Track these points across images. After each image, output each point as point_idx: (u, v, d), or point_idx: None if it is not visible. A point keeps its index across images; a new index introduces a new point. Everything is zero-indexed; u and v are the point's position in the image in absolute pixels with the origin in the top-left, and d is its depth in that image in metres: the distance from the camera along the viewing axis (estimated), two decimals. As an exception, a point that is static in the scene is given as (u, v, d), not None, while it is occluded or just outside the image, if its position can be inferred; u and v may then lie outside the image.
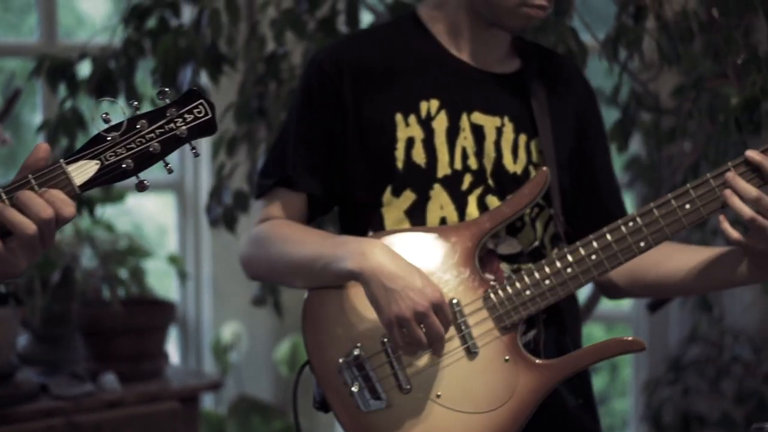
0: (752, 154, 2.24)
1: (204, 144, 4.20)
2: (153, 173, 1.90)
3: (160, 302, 4.28)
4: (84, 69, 3.49)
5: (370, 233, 2.37)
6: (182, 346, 5.12)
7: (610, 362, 5.69)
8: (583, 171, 2.49)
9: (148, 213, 5.32)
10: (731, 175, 2.24)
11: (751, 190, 2.22)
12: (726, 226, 2.23)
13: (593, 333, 5.43)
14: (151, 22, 3.49)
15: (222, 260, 4.91)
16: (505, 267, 2.37)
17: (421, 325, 2.21)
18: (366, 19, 3.77)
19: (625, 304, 5.21)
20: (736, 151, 3.30)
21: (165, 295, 4.52)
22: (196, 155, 1.91)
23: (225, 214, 3.59)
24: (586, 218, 2.46)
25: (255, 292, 3.88)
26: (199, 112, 1.91)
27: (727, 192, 2.24)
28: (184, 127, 1.88)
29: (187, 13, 4.10)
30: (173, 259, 4.60)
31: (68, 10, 5.06)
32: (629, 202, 5.19)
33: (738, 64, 3.16)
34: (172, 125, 1.89)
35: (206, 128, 1.90)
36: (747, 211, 2.21)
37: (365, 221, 2.39)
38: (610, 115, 3.32)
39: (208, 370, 4.95)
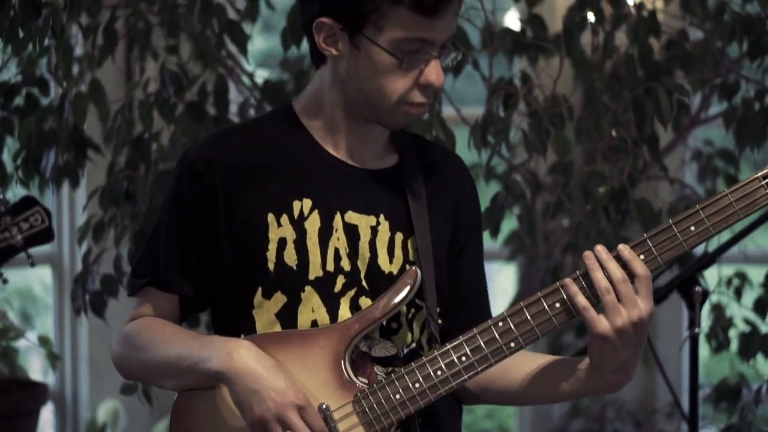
0: (623, 249, 2.21)
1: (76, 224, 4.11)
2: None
3: (32, 384, 4.17)
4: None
5: (242, 337, 2.31)
6: (58, 427, 5.00)
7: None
8: (455, 264, 2.45)
9: (30, 284, 5.23)
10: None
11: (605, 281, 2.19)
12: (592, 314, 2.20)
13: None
14: (19, 100, 3.42)
15: (100, 338, 4.81)
16: (379, 370, 2.32)
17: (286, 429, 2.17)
18: (236, 98, 3.74)
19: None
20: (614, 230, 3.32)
21: (42, 372, 4.41)
22: (32, 265, 1.85)
23: (92, 299, 3.51)
24: (457, 315, 2.42)
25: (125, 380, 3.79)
26: (36, 220, 1.86)
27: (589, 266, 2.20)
28: (19, 237, 1.83)
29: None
30: (43, 340, 4.49)
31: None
32: (512, 276, 5.20)
33: (607, 149, 3.19)
34: (6, 234, 1.83)
35: (43, 236, 1.85)
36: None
37: (238, 323, 2.34)
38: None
39: (85, 451, 4.84)
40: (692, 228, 2.19)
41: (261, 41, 3.54)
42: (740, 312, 4.10)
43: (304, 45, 3.40)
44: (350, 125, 2.36)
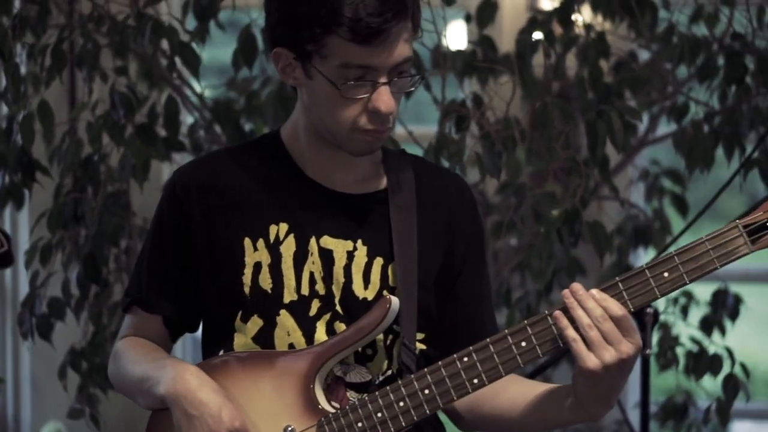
0: (595, 292, 2.16)
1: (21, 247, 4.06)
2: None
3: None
4: None
5: (221, 352, 2.34)
6: (0, 449, 4.94)
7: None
8: (453, 288, 2.41)
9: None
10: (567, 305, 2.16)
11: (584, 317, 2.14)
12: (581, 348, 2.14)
13: None
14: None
15: (42, 359, 4.76)
16: (353, 395, 2.31)
17: None
18: (185, 118, 3.71)
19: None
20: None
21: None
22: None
23: (39, 323, 3.46)
24: (451, 342, 2.36)
25: (72, 403, 3.75)
26: (-6, 244, 1.83)
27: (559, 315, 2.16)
28: (-23, 263, 1.80)
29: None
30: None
31: None
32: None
33: (558, 170, 3.20)
34: (-35, 259, 1.80)
35: (2, 261, 1.83)
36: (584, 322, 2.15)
37: (222, 343, 2.36)
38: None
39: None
40: (666, 274, 2.12)
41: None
42: (686, 330, 4.14)
43: (256, 66, 3.42)
44: (325, 151, 2.35)
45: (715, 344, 3.76)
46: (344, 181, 2.37)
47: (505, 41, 3.78)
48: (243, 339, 2.34)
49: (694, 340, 3.96)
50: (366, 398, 2.26)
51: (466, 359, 2.21)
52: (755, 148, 3.26)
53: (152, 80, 3.57)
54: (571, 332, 2.14)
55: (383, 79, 2.23)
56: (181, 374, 2.25)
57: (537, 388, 2.34)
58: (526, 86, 3.30)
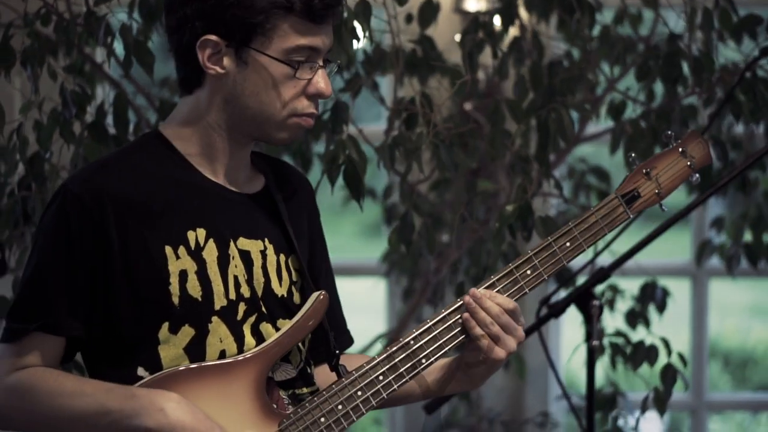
0: (486, 292, 2.37)
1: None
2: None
3: None
4: None
5: (140, 370, 2.27)
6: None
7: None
8: (316, 281, 2.48)
9: None
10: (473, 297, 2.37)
11: (493, 306, 2.36)
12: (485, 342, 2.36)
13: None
14: None
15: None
16: (283, 393, 2.34)
17: None
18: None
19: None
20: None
21: None
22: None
23: (-16, 323, 3.42)
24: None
25: None
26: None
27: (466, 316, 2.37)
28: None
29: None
30: None
31: None
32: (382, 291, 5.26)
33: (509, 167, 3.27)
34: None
35: None
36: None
37: (134, 359, 2.28)
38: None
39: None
40: (567, 244, 2.41)
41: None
42: (613, 323, 4.26)
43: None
44: (230, 149, 2.34)
45: (652, 334, 3.87)
46: (238, 181, 2.38)
47: (440, 41, 3.84)
48: (173, 350, 2.27)
49: (619, 333, 4.06)
50: (324, 393, 2.31)
51: (412, 342, 2.35)
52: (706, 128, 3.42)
53: (94, 79, 3.56)
54: (478, 330, 2.36)
55: (321, 62, 2.30)
56: (167, 404, 2.19)
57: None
58: (473, 84, 3.37)
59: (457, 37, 3.70)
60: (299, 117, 2.31)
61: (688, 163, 2.46)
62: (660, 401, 3.62)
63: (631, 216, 2.43)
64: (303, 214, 2.46)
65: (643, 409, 3.66)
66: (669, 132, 2.48)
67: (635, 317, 4.26)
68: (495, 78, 3.52)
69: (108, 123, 3.37)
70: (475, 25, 3.53)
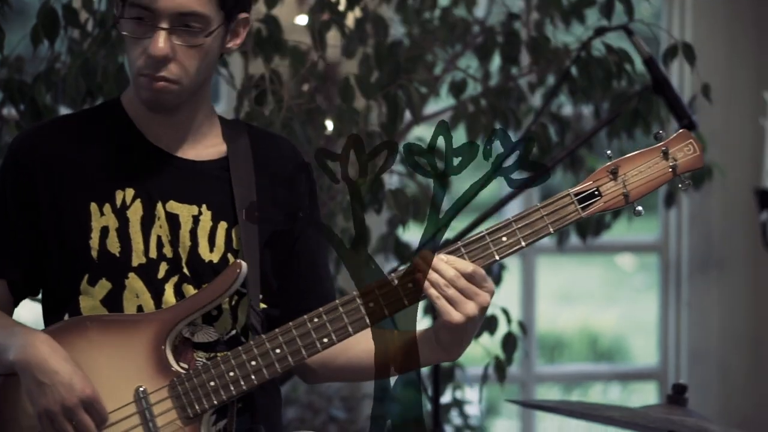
0: (442, 256, 2.28)
1: None
2: None
3: None
4: None
5: (66, 317, 2.40)
6: None
7: None
8: (293, 249, 2.51)
9: None
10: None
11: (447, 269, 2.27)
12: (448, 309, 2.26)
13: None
14: None
15: None
16: (201, 356, 2.39)
17: (73, 422, 2.27)
18: None
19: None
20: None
21: None
22: None
23: None
24: (293, 301, 2.49)
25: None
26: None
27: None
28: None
29: None
30: None
31: None
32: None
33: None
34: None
35: None
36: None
37: (64, 308, 2.43)
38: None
39: None
40: (504, 239, 2.29)
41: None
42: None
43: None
44: (158, 115, 2.43)
45: (493, 305, 3.98)
46: (183, 147, 2.46)
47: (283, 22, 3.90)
48: (91, 302, 2.40)
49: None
50: (219, 358, 2.35)
51: (316, 320, 2.32)
52: (535, 118, 3.53)
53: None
54: (433, 291, 2.26)
55: (164, 25, 2.33)
56: (31, 342, 2.30)
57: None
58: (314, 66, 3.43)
59: (301, 19, 3.75)
60: (142, 77, 2.36)
61: (670, 165, 2.30)
62: (501, 369, 3.74)
63: (583, 215, 2.28)
64: (278, 186, 2.47)
65: (484, 378, 3.78)
66: (660, 132, 2.30)
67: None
68: (335, 62, 3.59)
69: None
70: (320, 5, 3.59)
